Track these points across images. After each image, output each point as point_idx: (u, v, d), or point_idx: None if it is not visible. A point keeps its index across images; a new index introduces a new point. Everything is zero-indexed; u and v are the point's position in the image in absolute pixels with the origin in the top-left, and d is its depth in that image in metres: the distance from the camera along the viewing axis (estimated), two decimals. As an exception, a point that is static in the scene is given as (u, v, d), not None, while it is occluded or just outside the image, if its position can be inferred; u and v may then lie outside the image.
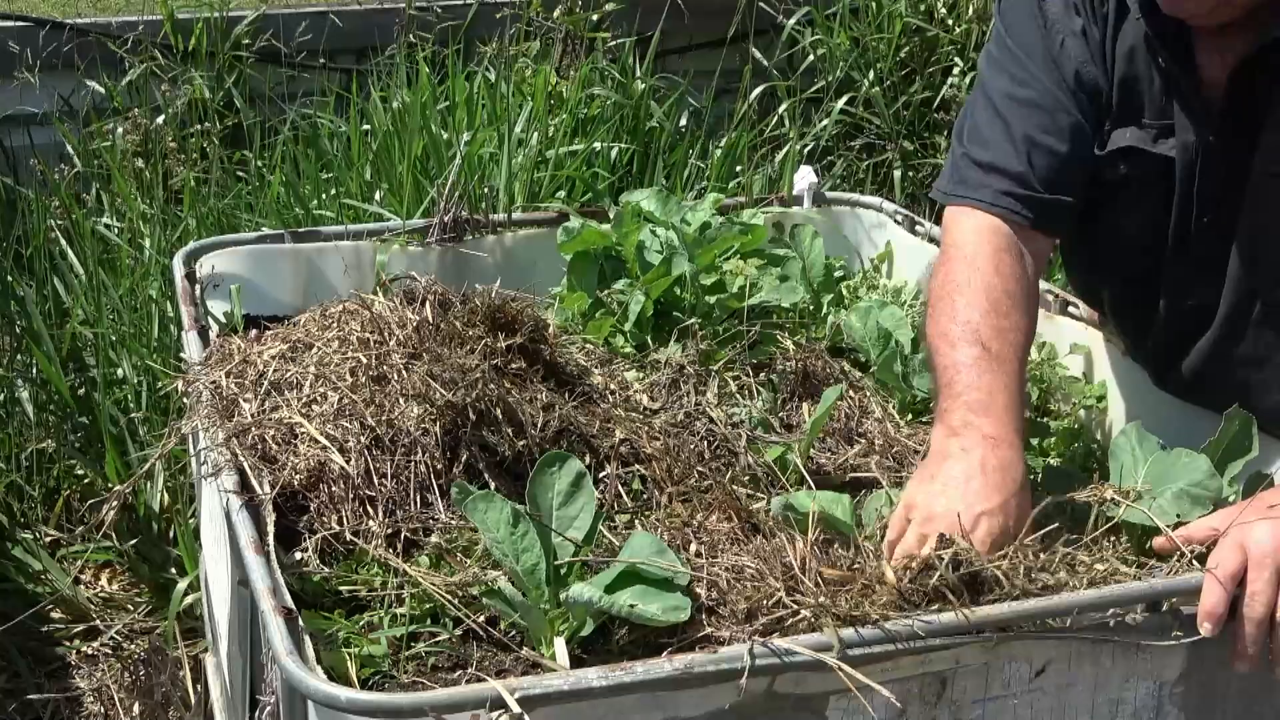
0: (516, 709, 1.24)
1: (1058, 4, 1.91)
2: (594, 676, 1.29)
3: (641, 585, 1.46)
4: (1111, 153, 1.90)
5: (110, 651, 3.07)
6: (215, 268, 2.37)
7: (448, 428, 1.71)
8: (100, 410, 3.23)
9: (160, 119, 4.32)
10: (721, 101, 4.48)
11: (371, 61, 4.41)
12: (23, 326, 3.46)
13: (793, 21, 4.99)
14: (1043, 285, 2.33)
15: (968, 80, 4.82)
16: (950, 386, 1.73)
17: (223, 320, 2.28)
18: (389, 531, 1.62)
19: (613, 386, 2.03)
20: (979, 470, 1.61)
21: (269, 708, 1.54)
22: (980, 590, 1.44)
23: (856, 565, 1.49)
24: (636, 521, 1.73)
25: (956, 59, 4.96)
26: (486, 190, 3.21)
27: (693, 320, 2.17)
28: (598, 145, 3.88)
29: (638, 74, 4.26)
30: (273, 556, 1.52)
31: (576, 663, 1.41)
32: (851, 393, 2.09)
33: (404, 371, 1.77)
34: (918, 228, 2.61)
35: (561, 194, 3.64)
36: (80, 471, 3.34)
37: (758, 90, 4.68)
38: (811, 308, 2.39)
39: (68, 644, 3.09)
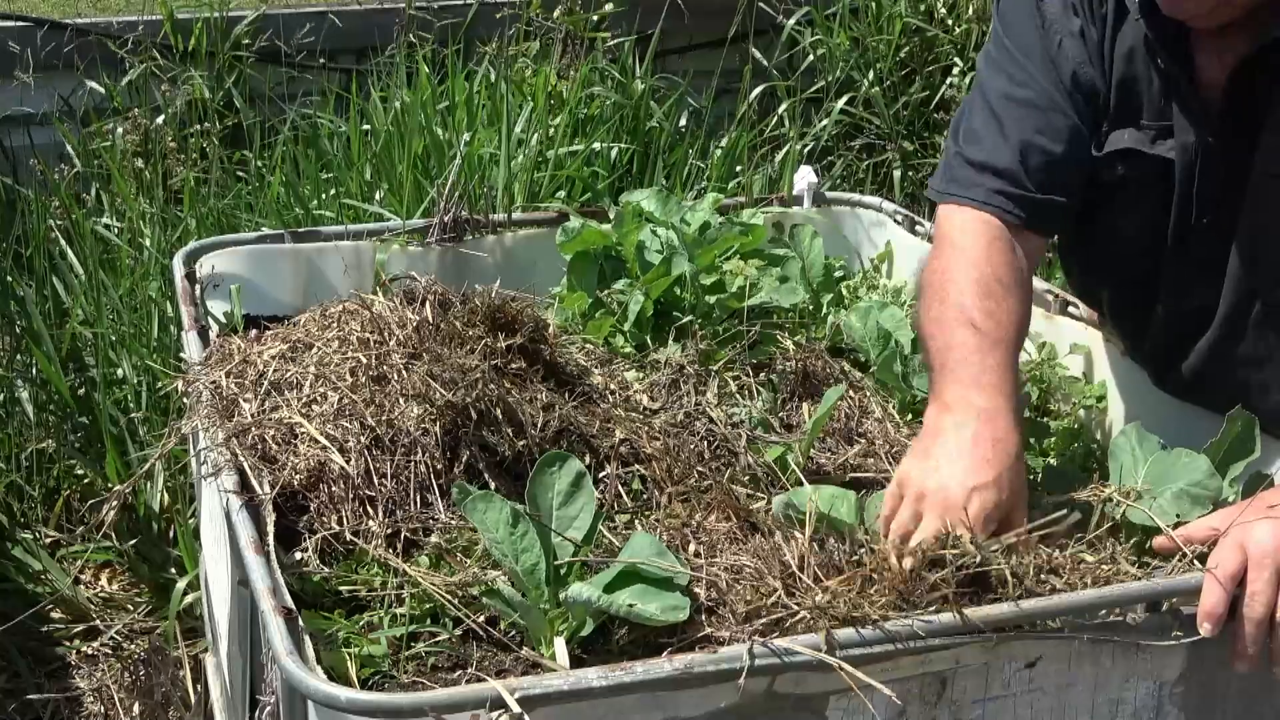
0: (516, 709, 1.24)
1: (1056, 4, 1.90)
2: (594, 676, 1.29)
3: (641, 585, 1.46)
4: (1109, 154, 1.90)
5: (110, 651, 3.07)
6: (215, 268, 2.37)
7: (448, 428, 1.71)
8: (100, 410, 3.23)
9: (160, 119, 4.31)
10: (721, 101, 4.48)
11: (371, 61, 4.41)
12: (23, 326, 3.46)
13: (793, 21, 4.99)
14: (1043, 285, 2.33)
15: (967, 80, 4.82)
16: (943, 366, 1.73)
17: (223, 320, 2.28)
18: (389, 531, 1.62)
19: (613, 386, 2.03)
20: (971, 444, 1.61)
21: (269, 708, 1.54)
22: (989, 587, 1.45)
23: (855, 558, 1.49)
24: (636, 521, 1.73)
25: (956, 59, 4.96)
26: (486, 190, 3.20)
27: (693, 320, 2.17)
28: (597, 145, 3.87)
29: (637, 74, 4.25)
30: (273, 556, 1.52)
31: (576, 663, 1.41)
32: (851, 393, 2.09)
33: (404, 371, 1.77)
34: (918, 228, 2.61)
35: (561, 194, 3.64)
36: (80, 471, 3.34)
37: (758, 90, 4.68)
38: (811, 308, 2.39)
39: (68, 644, 3.08)
